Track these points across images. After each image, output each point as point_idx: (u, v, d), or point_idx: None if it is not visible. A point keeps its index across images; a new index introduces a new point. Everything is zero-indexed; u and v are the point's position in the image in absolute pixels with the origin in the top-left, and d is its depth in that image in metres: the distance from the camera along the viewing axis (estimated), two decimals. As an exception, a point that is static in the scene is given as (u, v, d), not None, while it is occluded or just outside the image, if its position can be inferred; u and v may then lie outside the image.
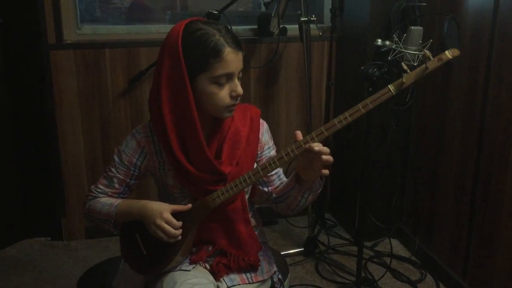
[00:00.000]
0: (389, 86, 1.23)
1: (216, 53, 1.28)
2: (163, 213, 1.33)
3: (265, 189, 1.52)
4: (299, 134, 1.28)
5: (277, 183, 1.51)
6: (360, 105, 1.24)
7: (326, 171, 1.28)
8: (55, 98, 2.68)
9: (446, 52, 1.18)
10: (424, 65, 1.19)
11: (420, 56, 2.17)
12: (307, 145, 1.25)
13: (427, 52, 1.18)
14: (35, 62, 2.62)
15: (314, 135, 1.26)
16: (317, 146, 1.25)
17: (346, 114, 1.25)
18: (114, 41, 2.73)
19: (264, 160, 1.50)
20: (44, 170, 2.77)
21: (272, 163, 1.29)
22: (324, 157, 1.24)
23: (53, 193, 2.79)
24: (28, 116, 2.71)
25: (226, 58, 1.29)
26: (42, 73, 2.62)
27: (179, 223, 1.33)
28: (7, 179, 2.76)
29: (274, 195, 1.50)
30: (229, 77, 1.32)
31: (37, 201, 2.82)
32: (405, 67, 1.21)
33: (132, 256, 1.43)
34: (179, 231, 1.33)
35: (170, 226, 1.32)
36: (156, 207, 1.35)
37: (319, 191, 1.42)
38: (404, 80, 1.20)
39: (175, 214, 1.34)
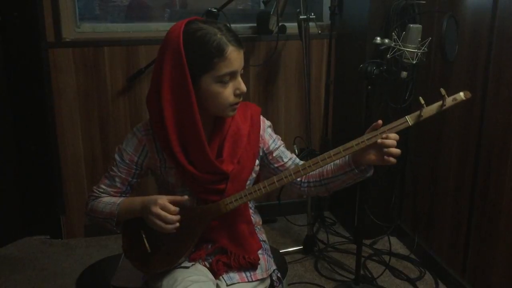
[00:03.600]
0: (406, 117, 1.34)
1: (220, 52, 1.28)
2: (157, 200, 1.31)
3: None
4: (379, 123, 1.35)
5: (292, 167, 1.51)
6: (378, 132, 1.34)
7: (392, 159, 1.35)
8: (54, 96, 2.68)
9: (461, 93, 1.32)
10: (441, 102, 1.31)
11: (419, 54, 2.18)
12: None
13: (443, 91, 1.30)
14: (34, 60, 2.62)
15: (331, 153, 1.34)
16: (393, 138, 1.34)
17: (365, 138, 1.34)
18: (113, 39, 2.72)
19: (274, 153, 1.51)
20: (43, 168, 2.77)
21: (288, 176, 1.34)
22: (394, 150, 1.34)
23: (53, 191, 2.79)
24: (27, 114, 2.71)
25: (229, 57, 1.29)
26: (41, 71, 2.62)
27: (175, 208, 1.32)
28: (7, 177, 2.76)
29: (302, 179, 1.51)
30: (232, 75, 1.32)
31: (37, 199, 2.82)
32: (422, 101, 1.31)
33: (135, 253, 1.42)
34: (176, 217, 1.32)
35: (166, 212, 1.30)
36: (150, 197, 1.34)
37: (371, 173, 1.44)
38: (422, 114, 1.33)
39: (180, 210, 1.34)
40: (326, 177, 1.47)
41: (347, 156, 1.39)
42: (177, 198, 1.35)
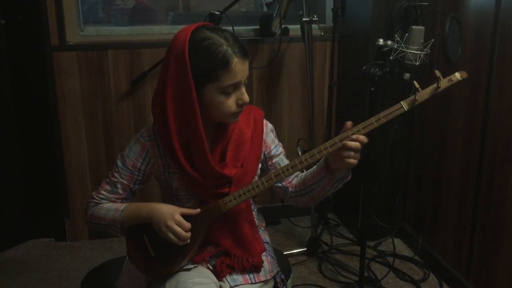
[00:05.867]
0: (401, 102, 1.31)
1: (224, 65, 1.28)
2: (174, 215, 1.33)
3: (279, 184, 1.52)
4: (349, 124, 1.32)
5: (291, 177, 1.52)
6: (373, 119, 1.31)
7: (353, 161, 1.31)
8: (58, 100, 2.69)
9: (456, 74, 1.28)
10: (436, 84, 1.28)
11: (422, 56, 2.18)
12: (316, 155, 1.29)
13: (438, 73, 1.27)
14: (38, 64, 2.63)
15: (328, 145, 1.30)
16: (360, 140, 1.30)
17: (360, 126, 1.31)
18: (116, 42, 2.74)
19: (274, 159, 1.52)
20: (48, 171, 2.79)
21: (285, 170, 1.33)
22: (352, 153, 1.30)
23: (57, 194, 2.80)
24: (32, 117, 2.72)
25: (234, 69, 1.29)
26: (45, 74, 2.63)
27: (189, 225, 1.34)
28: (12, 180, 2.77)
29: (291, 189, 1.51)
30: (236, 86, 1.32)
31: (41, 202, 2.83)
32: (417, 85, 1.28)
33: (138, 257, 1.42)
34: (189, 234, 1.34)
35: (181, 228, 1.32)
36: (165, 209, 1.35)
37: (348, 178, 1.43)
38: (417, 98, 1.29)
39: (184, 217, 1.35)
40: (308, 185, 1.46)
41: (323, 161, 1.39)
42: (191, 211, 1.36)
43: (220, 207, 1.36)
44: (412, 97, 1.29)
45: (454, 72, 1.28)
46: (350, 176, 1.43)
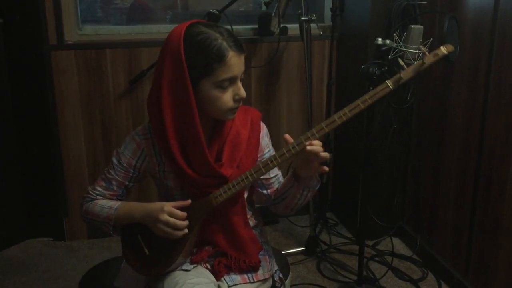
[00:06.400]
0: (387, 81, 1.26)
1: (220, 58, 1.28)
2: (164, 207, 1.32)
3: (264, 191, 1.52)
4: (288, 137, 1.29)
5: (276, 186, 1.52)
6: (359, 101, 1.27)
7: (325, 168, 1.30)
8: (57, 99, 2.68)
9: (441, 47, 1.24)
10: (421, 61, 1.24)
11: (420, 54, 2.18)
12: (307, 142, 1.26)
13: (423, 48, 1.23)
14: (36, 63, 2.62)
15: (314, 131, 1.27)
16: (317, 144, 1.26)
17: (346, 110, 1.27)
18: (115, 42, 2.73)
19: None
20: (46, 170, 2.78)
21: (273, 160, 1.30)
22: (322, 154, 1.26)
23: (55, 193, 2.80)
24: (30, 116, 2.72)
25: (229, 63, 1.29)
26: (43, 73, 2.63)
27: (183, 213, 1.32)
28: (10, 179, 2.77)
29: (272, 197, 1.51)
30: (232, 80, 1.32)
31: (39, 202, 2.83)
32: (401, 62, 1.25)
33: (134, 257, 1.43)
34: (185, 222, 1.32)
35: (174, 218, 1.31)
36: (155, 205, 1.35)
37: (317, 188, 1.42)
38: (402, 76, 1.25)
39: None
40: (282, 192, 1.46)
41: (290, 170, 1.39)
42: (181, 203, 1.35)
43: (211, 202, 1.35)
44: (397, 76, 1.26)
45: (439, 47, 1.25)
46: (318, 185, 1.42)
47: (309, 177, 1.38)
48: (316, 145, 1.26)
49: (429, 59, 1.25)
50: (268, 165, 1.31)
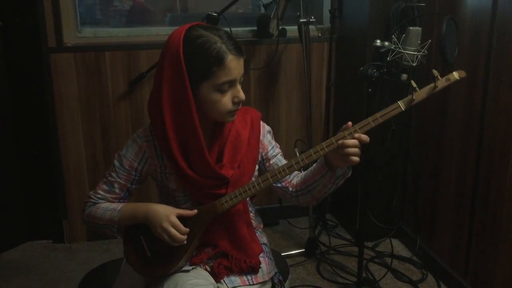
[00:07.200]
0: (398, 102, 1.30)
1: (219, 61, 1.28)
2: (169, 216, 1.33)
3: (279, 185, 1.52)
4: (350, 124, 1.31)
5: (291, 177, 1.51)
6: (370, 119, 1.30)
7: (356, 158, 1.30)
8: (56, 101, 2.68)
9: (454, 73, 1.27)
10: (433, 84, 1.27)
11: (419, 56, 2.18)
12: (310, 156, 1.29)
13: (435, 72, 1.26)
14: (35, 65, 2.63)
15: (324, 146, 1.30)
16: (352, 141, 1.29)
17: (356, 127, 1.30)
18: (114, 44, 2.73)
19: (272, 160, 1.52)
20: (45, 173, 2.78)
21: (282, 171, 1.32)
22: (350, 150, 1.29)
23: (55, 195, 2.80)
24: (29, 119, 2.72)
25: (229, 66, 1.29)
26: (42, 76, 2.63)
27: (186, 229, 1.34)
28: (9, 182, 2.76)
29: (291, 189, 1.51)
30: (231, 83, 1.33)
31: (39, 204, 2.83)
32: (414, 84, 1.28)
33: (135, 258, 1.42)
34: (185, 237, 1.34)
35: (177, 230, 1.32)
36: (162, 210, 1.35)
37: (349, 175, 1.42)
38: (414, 98, 1.28)
39: (180, 219, 1.34)
40: (309, 183, 1.46)
41: (322, 158, 1.39)
42: (188, 212, 1.36)
43: (217, 208, 1.36)
44: (409, 97, 1.29)
45: (451, 72, 1.28)
46: (350, 173, 1.43)
47: (344, 167, 1.39)
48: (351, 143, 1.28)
49: (442, 83, 1.28)
50: (276, 176, 1.33)
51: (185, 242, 1.34)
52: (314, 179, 1.44)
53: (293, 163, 1.32)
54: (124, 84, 2.74)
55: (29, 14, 2.56)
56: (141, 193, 2.77)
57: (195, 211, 1.37)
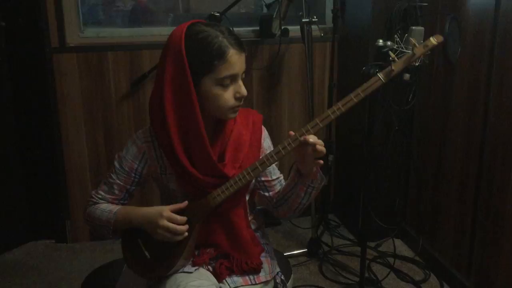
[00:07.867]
0: (378, 74, 1.28)
1: (221, 55, 1.29)
2: (162, 212, 1.32)
3: (266, 194, 1.52)
4: (292, 134, 1.30)
5: (278, 188, 1.51)
6: (352, 95, 1.29)
7: (319, 161, 1.30)
8: (58, 101, 2.69)
9: (431, 38, 1.25)
10: (411, 52, 1.25)
11: (422, 57, 2.18)
12: (302, 138, 1.27)
13: (413, 40, 1.24)
14: (38, 66, 2.63)
15: (309, 127, 1.28)
16: (312, 138, 1.27)
17: (339, 104, 1.29)
18: (116, 44, 2.74)
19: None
20: (48, 173, 2.79)
21: (270, 158, 1.31)
22: (318, 147, 1.27)
23: (58, 195, 2.80)
24: (32, 119, 2.73)
25: (230, 60, 1.29)
26: (45, 76, 2.63)
27: (183, 218, 1.33)
28: (12, 182, 2.77)
29: (274, 200, 1.51)
30: (233, 78, 1.33)
31: (42, 204, 2.84)
32: (392, 55, 1.26)
33: (135, 261, 1.42)
34: (185, 227, 1.33)
35: (173, 222, 1.32)
36: (153, 210, 1.35)
37: (322, 185, 1.42)
38: (393, 68, 1.26)
39: (175, 213, 1.34)
40: (285, 192, 1.45)
41: (294, 169, 1.38)
42: (178, 205, 1.35)
43: (209, 202, 1.36)
44: (388, 68, 1.27)
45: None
46: (324, 181, 1.41)
47: (313, 174, 1.38)
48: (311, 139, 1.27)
49: (419, 50, 1.26)
50: (264, 163, 1.31)
51: (186, 234, 1.33)
52: (290, 188, 1.44)
53: (280, 148, 1.29)
54: (126, 84, 2.74)
55: (32, 15, 2.57)
56: (144, 194, 2.77)
57: (186, 202, 1.35)
